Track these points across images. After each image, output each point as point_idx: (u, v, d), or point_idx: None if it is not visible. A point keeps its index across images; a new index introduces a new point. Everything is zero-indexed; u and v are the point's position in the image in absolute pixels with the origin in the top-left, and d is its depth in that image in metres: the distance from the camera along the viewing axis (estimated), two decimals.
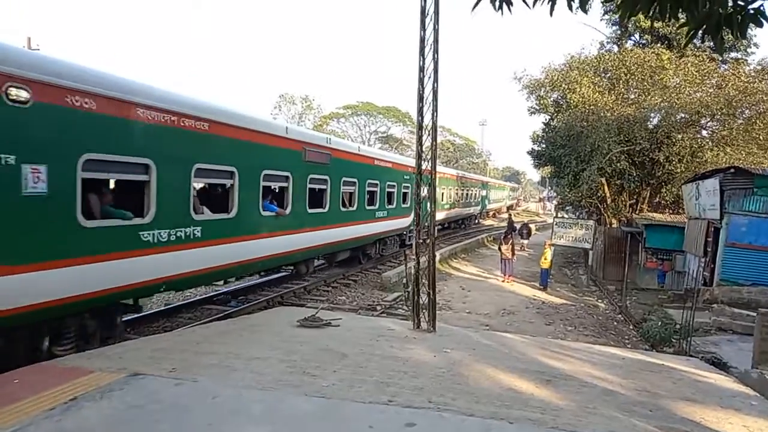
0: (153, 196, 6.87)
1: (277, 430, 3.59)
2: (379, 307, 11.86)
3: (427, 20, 6.68)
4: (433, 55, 6.77)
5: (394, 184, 17.22)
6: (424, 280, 7.21)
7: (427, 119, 6.96)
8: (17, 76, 5.06)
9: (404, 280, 8.31)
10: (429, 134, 7.02)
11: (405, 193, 18.15)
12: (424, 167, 7.18)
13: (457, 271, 18.99)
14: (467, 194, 33.28)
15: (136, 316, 8.78)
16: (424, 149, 7.14)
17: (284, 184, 10.54)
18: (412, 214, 9.43)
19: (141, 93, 6.67)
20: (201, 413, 3.72)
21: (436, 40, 6.72)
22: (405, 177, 17.61)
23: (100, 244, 6.18)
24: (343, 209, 13.32)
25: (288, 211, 10.54)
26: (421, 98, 6.92)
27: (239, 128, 8.70)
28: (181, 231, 7.45)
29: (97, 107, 5.94)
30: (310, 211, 11.50)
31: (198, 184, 8.44)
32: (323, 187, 12.24)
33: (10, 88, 4.98)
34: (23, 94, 5.10)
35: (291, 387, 4.37)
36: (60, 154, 5.58)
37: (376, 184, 15.61)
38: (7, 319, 5.22)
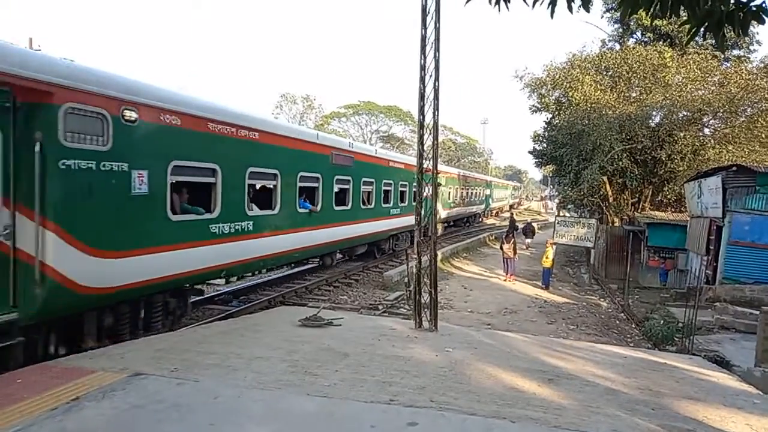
0: (219, 195, 8.08)
1: (278, 429, 3.59)
2: (380, 307, 11.87)
3: (428, 19, 6.68)
4: (435, 54, 6.76)
5: (406, 183, 18.10)
6: (425, 279, 7.20)
7: (429, 118, 6.97)
8: (130, 100, 6.33)
9: (406, 279, 8.33)
10: (431, 133, 7.02)
11: (416, 192, 18.40)
12: (426, 166, 7.18)
13: (458, 270, 18.96)
14: (471, 193, 33.56)
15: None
16: (425, 148, 7.13)
17: (315, 185, 11.71)
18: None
19: (209, 109, 7.90)
20: (203, 413, 3.72)
21: (437, 39, 6.71)
22: (415, 177, 17.95)
23: (182, 234, 7.42)
24: (362, 207, 14.54)
25: (319, 208, 11.73)
26: (422, 97, 6.92)
27: (280, 136, 9.98)
28: (238, 225, 8.67)
29: (181, 123, 7.18)
30: (336, 208, 12.73)
31: (250, 185, 9.33)
32: (346, 186, 13.50)
33: (125, 111, 6.25)
34: (133, 115, 6.36)
35: (292, 387, 4.37)
36: (156, 161, 6.80)
37: (391, 184, 16.71)
38: (117, 294, 6.39)
